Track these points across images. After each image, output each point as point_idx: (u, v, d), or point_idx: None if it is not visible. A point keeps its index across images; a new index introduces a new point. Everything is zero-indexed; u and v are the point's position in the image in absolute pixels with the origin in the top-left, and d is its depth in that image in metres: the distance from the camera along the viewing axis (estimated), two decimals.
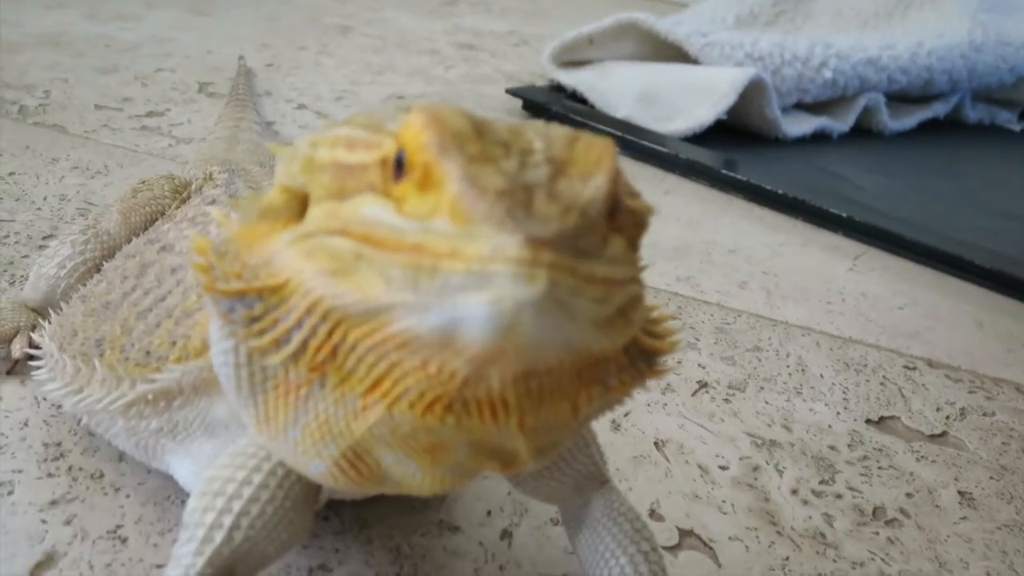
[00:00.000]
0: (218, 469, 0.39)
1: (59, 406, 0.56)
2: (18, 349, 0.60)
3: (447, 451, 0.33)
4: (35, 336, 0.56)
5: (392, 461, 0.34)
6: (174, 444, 0.45)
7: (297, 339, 0.32)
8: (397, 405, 0.31)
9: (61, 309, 0.56)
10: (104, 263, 0.60)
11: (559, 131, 0.31)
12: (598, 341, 0.30)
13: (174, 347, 0.43)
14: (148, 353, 0.45)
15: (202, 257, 0.35)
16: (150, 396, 0.44)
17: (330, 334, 0.31)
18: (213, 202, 0.57)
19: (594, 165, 0.30)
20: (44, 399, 0.57)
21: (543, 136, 0.31)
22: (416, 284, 0.28)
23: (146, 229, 0.62)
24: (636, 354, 0.34)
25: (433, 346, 0.29)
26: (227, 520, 0.38)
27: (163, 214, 0.63)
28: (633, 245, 0.33)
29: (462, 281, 0.27)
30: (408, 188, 0.30)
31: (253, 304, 0.33)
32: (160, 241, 0.54)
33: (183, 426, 0.44)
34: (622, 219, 0.31)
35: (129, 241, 0.60)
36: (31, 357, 0.57)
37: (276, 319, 0.33)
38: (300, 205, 0.34)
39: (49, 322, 0.54)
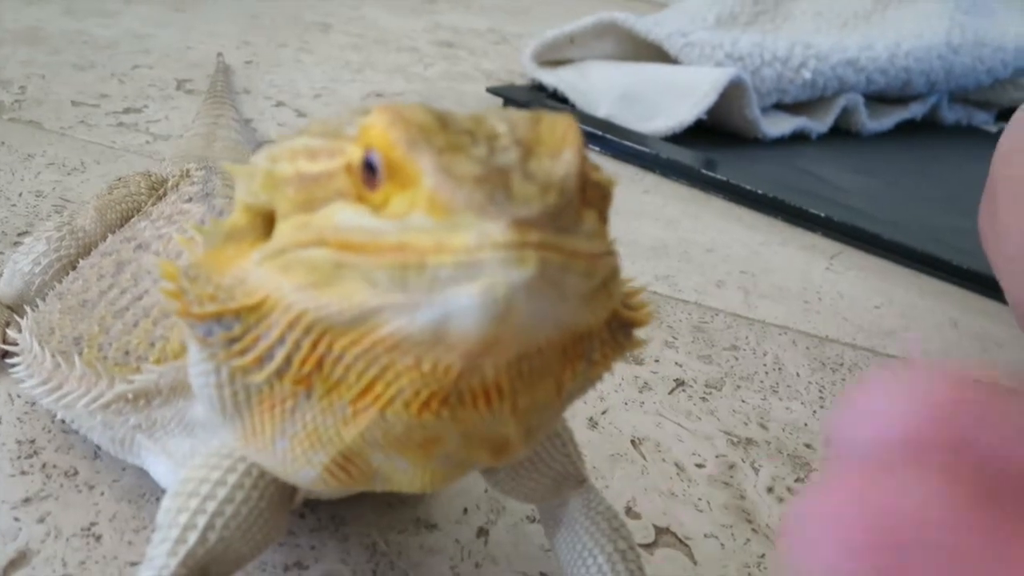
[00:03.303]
0: (192, 470, 0.38)
1: (32, 403, 0.56)
2: None
3: (439, 444, 0.33)
4: (11, 332, 0.55)
5: (383, 460, 0.34)
6: (151, 442, 0.45)
7: (280, 355, 0.32)
8: (391, 407, 0.31)
9: (37, 306, 0.56)
10: (80, 260, 0.60)
11: (520, 114, 0.31)
12: (585, 317, 0.30)
13: (153, 348, 0.43)
14: (127, 352, 0.44)
15: (171, 283, 0.35)
16: (129, 395, 0.43)
17: (314, 346, 0.31)
18: (190, 200, 0.57)
19: (560, 142, 0.30)
20: (18, 396, 0.57)
21: (505, 120, 0.30)
22: (404, 283, 0.28)
23: (122, 226, 0.61)
24: (616, 327, 0.34)
25: (426, 344, 0.28)
26: (201, 521, 0.37)
27: (140, 211, 0.62)
28: (603, 218, 0.33)
29: (451, 273, 0.27)
30: (382, 189, 0.30)
31: (231, 325, 0.33)
32: (136, 239, 0.54)
33: (161, 424, 0.44)
34: (590, 193, 0.31)
35: (105, 238, 0.60)
36: (6, 354, 0.57)
37: (257, 337, 0.32)
38: (265, 223, 0.34)
39: (26, 319, 0.53)
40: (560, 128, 0.30)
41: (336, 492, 0.44)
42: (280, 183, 0.33)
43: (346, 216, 0.30)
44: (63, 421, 0.52)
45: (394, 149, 0.29)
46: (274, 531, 0.40)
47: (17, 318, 0.59)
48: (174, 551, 0.37)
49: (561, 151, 0.29)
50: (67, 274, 0.59)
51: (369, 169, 0.30)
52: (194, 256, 0.35)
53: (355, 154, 0.31)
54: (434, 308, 0.27)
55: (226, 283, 0.33)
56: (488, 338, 0.27)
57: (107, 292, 0.49)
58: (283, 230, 0.32)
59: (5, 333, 0.60)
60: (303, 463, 0.35)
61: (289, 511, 0.41)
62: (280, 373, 0.32)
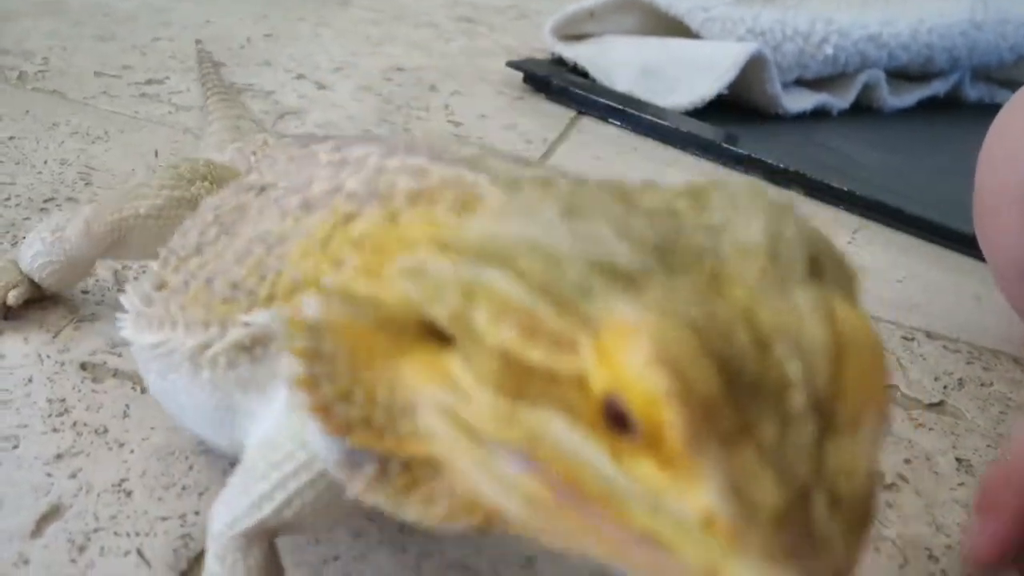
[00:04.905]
0: (282, 435, 0.36)
1: (62, 363, 0.57)
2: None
3: None
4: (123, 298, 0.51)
5: None
6: (262, 399, 0.39)
7: (444, 506, 0.29)
8: None
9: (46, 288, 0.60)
10: (71, 268, 0.60)
11: (812, 329, 0.23)
12: None
13: (264, 282, 0.37)
14: (235, 286, 0.39)
15: (302, 364, 0.29)
16: (247, 342, 0.38)
17: (492, 513, 0.28)
18: (306, 145, 0.49)
19: (865, 403, 0.23)
20: (47, 356, 0.57)
21: (794, 346, 0.22)
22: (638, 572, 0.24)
23: (114, 237, 0.56)
24: None
25: None
26: (279, 496, 0.36)
27: (138, 215, 0.55)
28: None
29: None
30: (633, 447, 0.23)
31: (389, 463, 0.29)
32: (255, 186, 0.46)
33: (278, 375, 0.38)
34: None
35: (92, 251, 0.58)
36: (7, 314, 0.60)
37: (415, 480, 0.29)
38: (428, 328, 0.27)
39: (133, 283, 0.49)
40: (866, 371, 0.23)
41: None
42: (475, 336, 0.25)
43: (573, 442, 0.23)
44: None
45: (668, 431, 0.22)
46: (352, 512, 0.38)
47: (35, 287, 0.61)
48: (249, 513, 0.36)
49: (865, 417, 0.23)
50: (64, 275, 0.60)
51: (619, 417, 0.23)
52: (331, 319, 0.28)
53: (597, 381, 0.23)
54: None
55: (383, 401, 0.28)
56: None
57: (228, 231, 0.43)
58: (478, 401, 0.25)
59: (7, 295, 0.60)
60: (422, 519, 0.31)
61: None
62: (435, 512, 0.29)
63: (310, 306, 0.29)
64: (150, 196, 0.56)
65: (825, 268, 0.25)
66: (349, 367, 0.28)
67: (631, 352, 0.22)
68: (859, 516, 0.22)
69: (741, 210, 0.26)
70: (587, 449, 0.23)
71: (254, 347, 0.38)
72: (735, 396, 0.22)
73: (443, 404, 0.26)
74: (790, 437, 0.21)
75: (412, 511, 0.29)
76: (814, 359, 0.22)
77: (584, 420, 0.23)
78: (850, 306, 0.24)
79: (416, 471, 0.28)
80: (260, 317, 0.37)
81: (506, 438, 0.24)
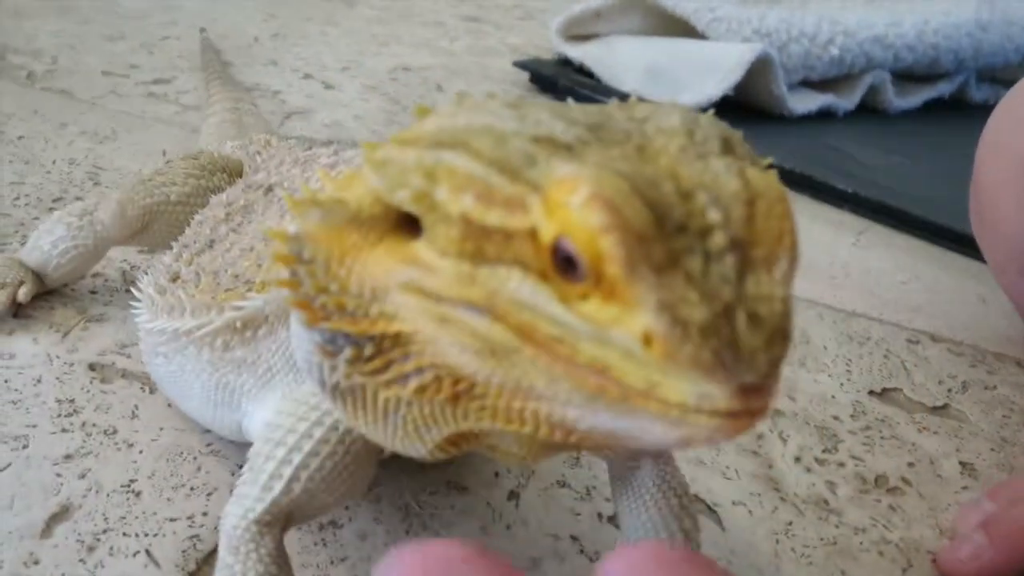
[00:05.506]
0: (280, 416, 0.39)
1: (71, 364, 0.57)
2: (2, 303, 0.60)
3: None
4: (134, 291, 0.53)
5: (496, 437, 0.33)
6: (256, 381, 0.44)
7: (414, 383, 0.31)
8: None
9: (52, 280, 0.61)
10: (97, 252, 0.61)
11: (727, 182, 0.26)
12: None
13: (259, 271, 0.42)
14: (237, 276, 0.44)
15: (285, 266, 0.32)
16: (238, 323, 0.43)
17: (455, 384, 0.30)
18: (310, 147, 0.56)
19: (777, 242, 0.26)
20: (57, 356, 0.58)
21: (713, 196, 0.25)
22: (592, 402, 0.26)
23: (144, 221, 0.60)
24: None
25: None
26: (286, 471, 0.38)
27: (168, 201, 0.60)
28: None
29: (651, 417, 0.25)
30: (580, 287, 0.26)
31: (363, 344, 0.31)
32: (263, 185, 0.52)
33: (266, 358, 0.43)
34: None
35: (123, 234, 0.60)
36: (18, 312, 0.61)
37: (390, 361, 0.31)
38: (397, 217, 0.30)
39: (150, 272, 0.53)
40: (776, 216, 0.26)
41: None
42: (439, 212, 0.28)
43: (526, 293, 0.27)
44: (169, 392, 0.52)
45: (607, 263, 0.25)
46: (360, 482, 0.40)
47: (39, 282, 0.61)
48: (261, 497, 0.38)
49: (778, 254, 0.26)
50: (84, 261, 0.61)
51: (566, 261, 0.26)
52: (307, 228, 0.31)
53: (545, 231, 0.26)
54: (613, 424, 0.26)
55: (355, 289, 0.31)
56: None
57: (236, 229, 0.49)
58: (442, 270, 0.28)
59: (17, 293, 0.60)
60: (415, 439, 0.33)
61: (376, 463, 0.40)
62: (408, 390, 0.31)
63: (291, 224, 0.32)
64: (178, 183, 0.61)
65: (736, 149, 0.28)
66: (324, 266, 0.31)
67: (572, 198, 0.25)
68: (777, 334, 0.25)
69: (662, 109, 0.29)
70: (540, 296, 0.26)
71: (245, 330, 0.43)
72: (664, 233, 0.25)
73: (410, 280, 0.29)
74: (713, 269, 0.25)
75: (387, 392, 0.31)
76: (731, 207, 0.25)
77: (536, 271, 0.26)
78: (759, 170, 0.27)
79: (387, 353, 0.31)
80: (253, 301, 0.42)
81: (468, 297, 0.27)
